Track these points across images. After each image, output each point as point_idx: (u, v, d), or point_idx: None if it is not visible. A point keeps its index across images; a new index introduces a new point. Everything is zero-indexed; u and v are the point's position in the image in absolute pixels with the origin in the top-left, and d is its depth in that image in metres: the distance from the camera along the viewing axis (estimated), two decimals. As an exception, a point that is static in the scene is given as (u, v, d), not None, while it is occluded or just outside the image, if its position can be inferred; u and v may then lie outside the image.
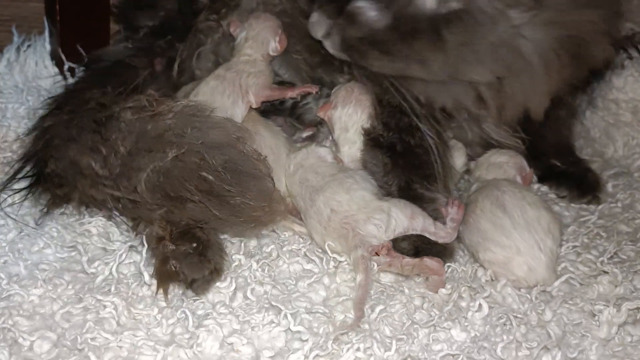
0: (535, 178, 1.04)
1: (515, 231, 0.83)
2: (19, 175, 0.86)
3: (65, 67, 1.11)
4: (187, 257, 0.76)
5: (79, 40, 1.11)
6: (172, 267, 0.76)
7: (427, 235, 0.82)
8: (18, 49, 1.17)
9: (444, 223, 0.84)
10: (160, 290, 0.76)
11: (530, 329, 0.76)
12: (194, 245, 0.77)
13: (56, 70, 1.14)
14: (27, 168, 0.87)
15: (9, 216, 0.85)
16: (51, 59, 1.16)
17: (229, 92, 0.93)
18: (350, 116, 0.93)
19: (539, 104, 0.89)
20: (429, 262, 0.80)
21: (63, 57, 1.10)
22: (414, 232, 0.82)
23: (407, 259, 0.81)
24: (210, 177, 0.77)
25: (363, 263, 0.79)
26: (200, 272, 0.76)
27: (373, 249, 0.80)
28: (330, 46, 0.88)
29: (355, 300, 0.76)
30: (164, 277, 0.76)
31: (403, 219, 0.81)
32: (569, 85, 0.93)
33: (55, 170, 0.83)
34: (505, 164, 0.96)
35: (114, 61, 1.02)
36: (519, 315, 0.77)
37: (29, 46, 1.17)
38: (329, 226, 0.83)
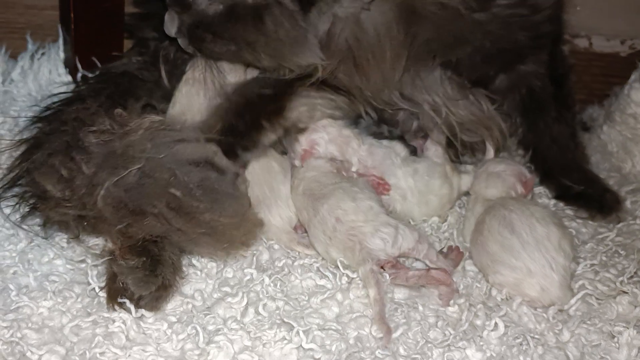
0: (536, 192, 1.03)
1: (525, 251, 0.81)
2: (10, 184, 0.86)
3: (79, 75, 1.10)
4: (133, 272, 0.73)
5: (92, 48, 1.10)
6: (120, 283, 0.73)
7: (427, 263, 0.82)
8: (32, 57, 1.17)
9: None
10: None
11: (548, 350, 0.75)
12: (143, 259, 0.74)
13: (69, 78, 1.14)
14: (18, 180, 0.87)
15: (19, 226, 0.84)
16: (65, 67, 1.15)
17: (203, 92, 0.93)
18: (332, 142, 0.92)
19: (390, 76, 0.92)
20: (435, 272, 0.79)
21: (79, 64, 1.10)
22: (416, 256, 0.82)
23: (412, 272, 0.80)
24: (179, 194, 0.75)
25: (374, 277, 0.77)
26: (146, 288, 0.73)
27: (380, 262, 0.79)
28: (181, 42, 0.92)
29: (375, 317, 0.75)
30: (113, 293, 0.74)
31: (410, 238, 0.80)
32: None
33: (26, 188, 0.83)
34: (503, 172, 0.94)
35: (121, 72, 1.02)
36: (536, 336, 0.76)
37: (42, 54, 1.17)
38: (334, 237, 0.81)
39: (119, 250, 0.74)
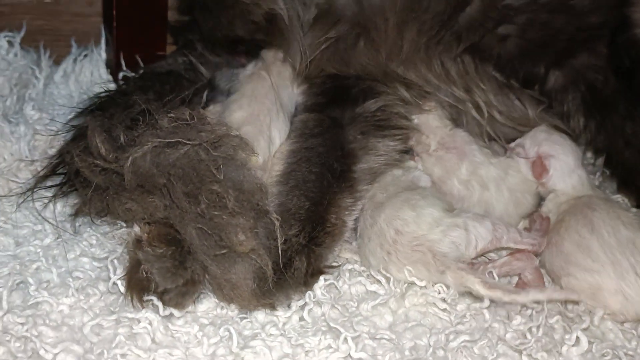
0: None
1: (604, 253, 0.70)
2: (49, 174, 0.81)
3: (120, 75, 1.06)
4: (160, 261, 0.65)
5: (135, 47, 1.06)
6: (143, 273, 0.65)
7: (512, 246, 0.73)
8: (75, 60, 1.14)
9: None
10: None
11: (642, 371, 0.63)
12: (173, 248, 0.65)
13: (110, 78, 1.09)
14: (59, 168, 0.81)
15: (47, 221, 0.78)
16: (106, 67, 1.11)
17: (272, 100, 0.82)
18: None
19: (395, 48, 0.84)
20: (519, 256, 0.72)
21: (123, 62, 1.05)
22: (499, 246, 0.72)
23: (491, 263, 0.72)
24: (215, 187, 0.65)
25: (468, 272, 0.69)
26: (172, 280, 0.65)
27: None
28: None
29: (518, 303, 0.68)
30: (133, 284, 0.66)
31: (484, 232, 0.71)
32: None
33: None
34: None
35: (166, 71, 0.97)
36: (629, 352, 0.64)
37: (85, 56, 1.13)
38: (395, 251, 0.72)
39: (147, 236, 0.66)
